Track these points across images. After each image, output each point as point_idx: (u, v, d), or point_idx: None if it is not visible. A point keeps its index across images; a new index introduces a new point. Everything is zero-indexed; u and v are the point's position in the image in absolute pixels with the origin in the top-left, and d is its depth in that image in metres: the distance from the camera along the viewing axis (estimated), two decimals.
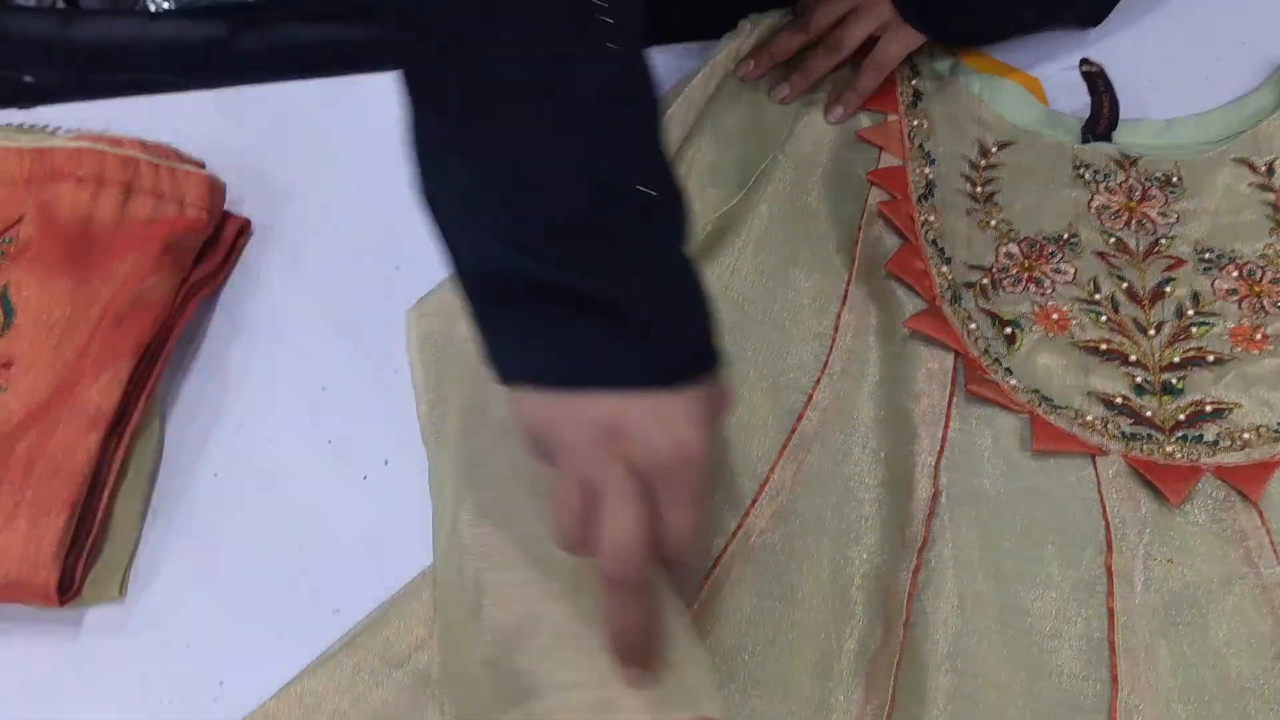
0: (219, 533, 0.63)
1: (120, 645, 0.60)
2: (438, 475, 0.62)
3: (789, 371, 0.67)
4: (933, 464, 0.63)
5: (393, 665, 0.59)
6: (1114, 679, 0.58)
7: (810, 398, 0.66)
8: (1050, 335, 0.68)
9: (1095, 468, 0.64)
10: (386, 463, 0.65)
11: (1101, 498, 0.63)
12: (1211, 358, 0.67)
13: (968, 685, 0.56)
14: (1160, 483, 0.63)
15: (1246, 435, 0.64)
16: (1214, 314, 0.68)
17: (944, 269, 0.69)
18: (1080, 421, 0.65)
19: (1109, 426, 0.65)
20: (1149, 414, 0.65)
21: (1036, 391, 0.66)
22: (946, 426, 0.64)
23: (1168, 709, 0.57)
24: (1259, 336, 0.67)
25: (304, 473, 0.65)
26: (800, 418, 0.65)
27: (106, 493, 0.61)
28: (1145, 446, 0.64)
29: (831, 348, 0.68)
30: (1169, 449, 0.64)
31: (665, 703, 0.51)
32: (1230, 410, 0.65)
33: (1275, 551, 0.61)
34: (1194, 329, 0.68)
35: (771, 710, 0.57)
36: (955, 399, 0.65)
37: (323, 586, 0.62)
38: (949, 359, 0.67)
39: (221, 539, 0.63)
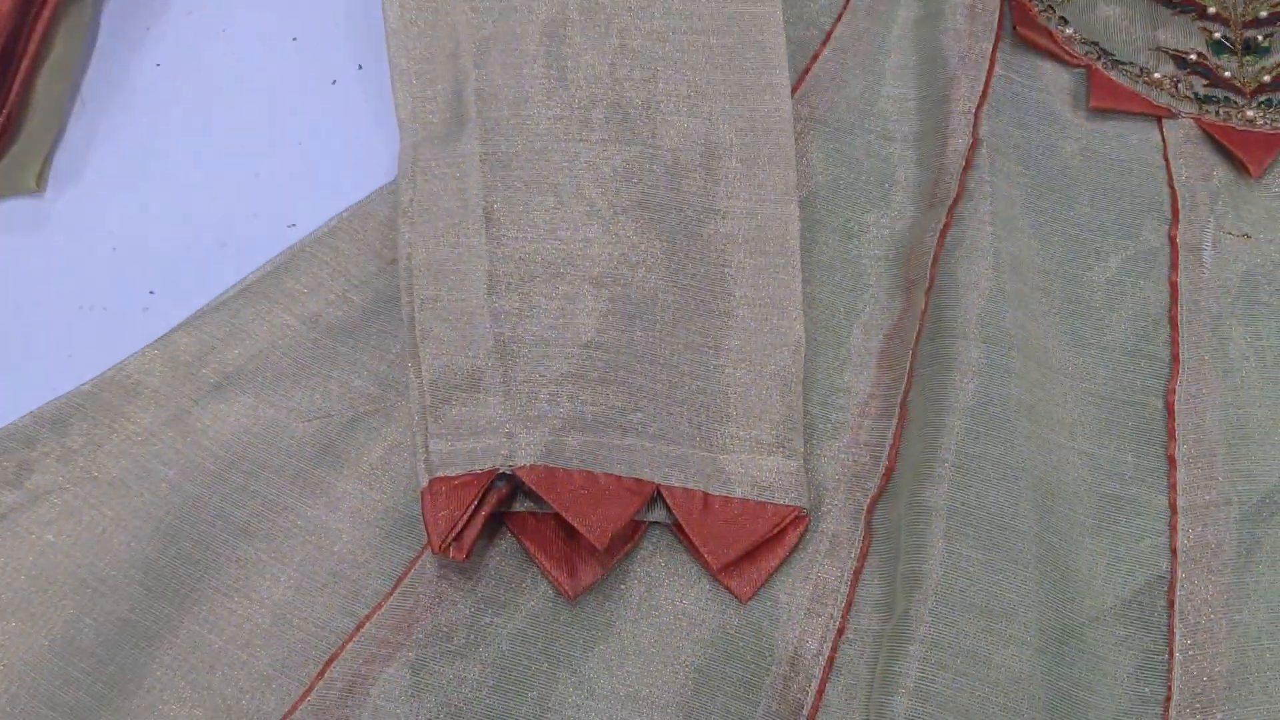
0: (157, 130, 0.55)
1: (38, 244, 0.53)
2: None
3: (807, 3, 0.56)
4: (972, 110, 0.52)
5: (295, 316, 0.49)
6: (1174, 358, 0.48)
7: (829, 35, 0.55)
8: None
9: (1161, 131, 0.54)
10: (360, 68, 0.56)
11: (1168, 163, 0.53)
12: None
13: (1001, 356, 0.47)
14: (1239, 149, 0.53)
15: None
16: None
17: None
18: (1145, 79, 0.54)
19: (1180, 87, 0.54)
20: (1227, 75, 0.55)
21: (1095, 44, 0.55)
22: (990, 72, 0.54)
23: (1237, 394, 0.48)
24: None
25: (262, 72, 0.56)
26: (815, 57, 0.55)
27: (24, 67, 0.52)
28: (1222, 110, 0.54)
29: None
30: (1250, 114, 0.54)
31: None
32: None
33: None
34: None
35: None
36: (1001, 44, 0.55)
37: (276, 198, 0.53)
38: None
39: (160, 137, 0.55)
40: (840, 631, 0.45)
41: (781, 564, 0.45)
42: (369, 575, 0.45)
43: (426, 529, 0.43)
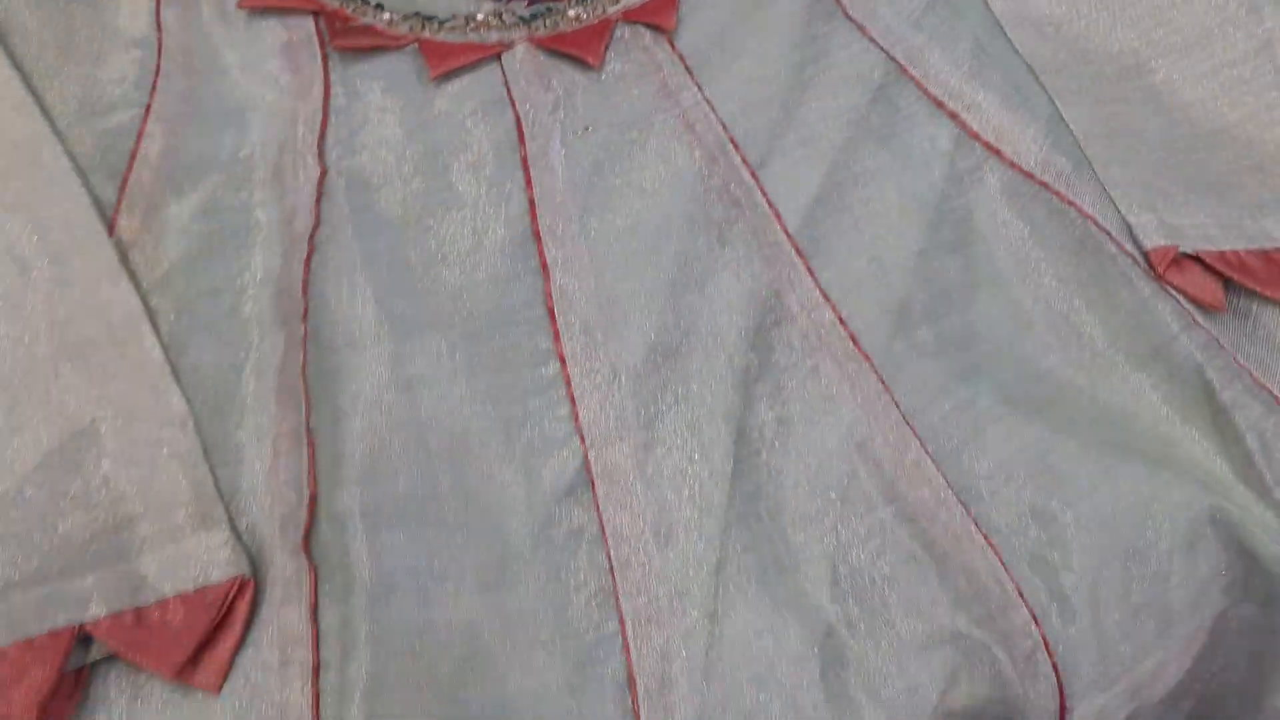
0: None
1: None
2: None
3: (105, 87, 0.54)
4: (314, 141, 0.52)
5: None
6: (543, 266, 0.49)
7: (148, 110, 0.53)
8: None
9: (502, 67, 0.54)
10: None
11: (509, 92, 0.53)
12: None
13: (390, 350, 0.47)
14: (573, 49, 0.54)
15: None
16: None
17: None
18: (472, 26, 0.55)
19: (504, 18, 0.55)
20: None
21: (417, 15, 0.56)
22: (327, 96, 0.54)
23: (604, 276, 0.48)
24: None
25: None
26: (141, 135, 0.53)
27: None
28: (548, 22, 0.55)
29: (160, 51, 0.55)
30: (572, 14, 0.55)
31: None
32: None
33: (692, 77, 0.53)
34: None
35: None
36: (331, 64, 0.55)
37: None
38: (309, 22, 0.56)
39: None
40: (316, 670, 0.44)
41: (242, 638, 0.44)
42: None
43: None
